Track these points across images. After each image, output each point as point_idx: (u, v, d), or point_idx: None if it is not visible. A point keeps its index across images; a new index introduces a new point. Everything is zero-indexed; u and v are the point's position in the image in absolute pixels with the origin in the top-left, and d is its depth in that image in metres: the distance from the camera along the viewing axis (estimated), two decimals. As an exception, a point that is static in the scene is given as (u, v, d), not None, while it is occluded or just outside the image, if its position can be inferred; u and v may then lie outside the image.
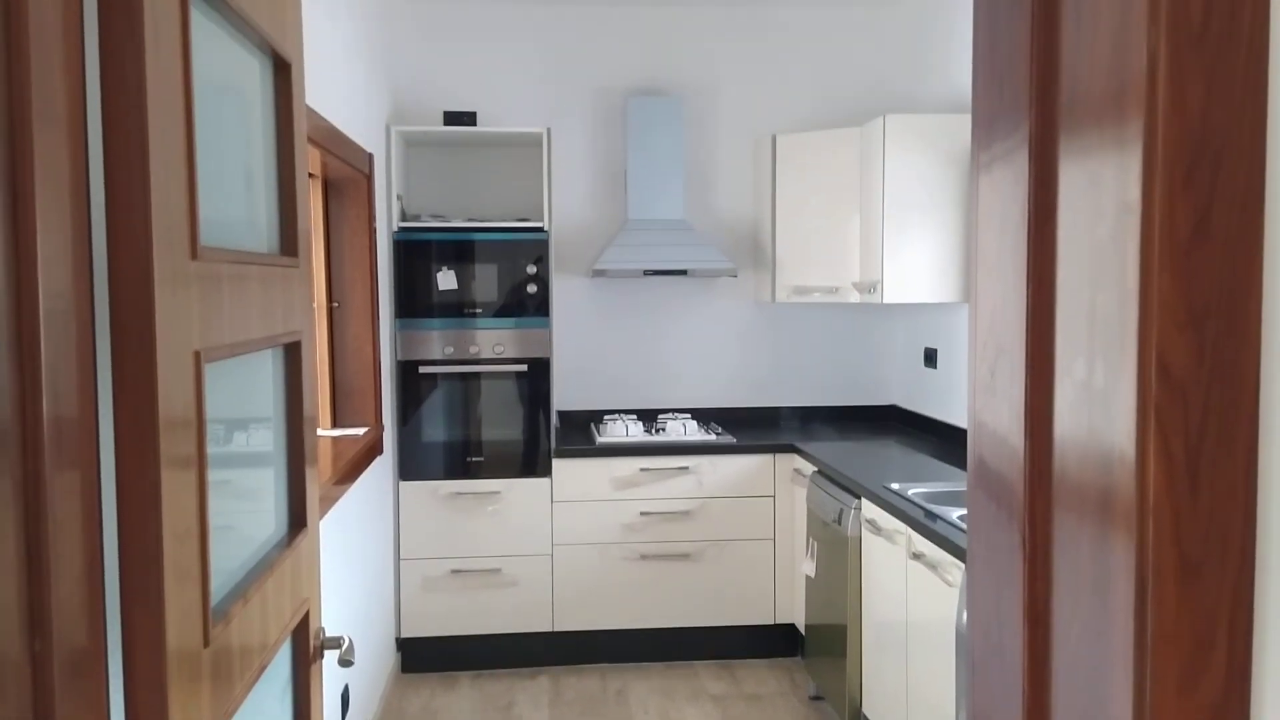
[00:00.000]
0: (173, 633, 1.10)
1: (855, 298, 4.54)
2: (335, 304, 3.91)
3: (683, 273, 4.59)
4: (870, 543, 3.49)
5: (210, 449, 1.26)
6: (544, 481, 4.44)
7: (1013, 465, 1.02)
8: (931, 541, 2.95)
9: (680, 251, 4.62)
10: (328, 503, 2.88)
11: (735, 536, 4.49)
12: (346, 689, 3.34)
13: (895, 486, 3.47)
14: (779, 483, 4.49)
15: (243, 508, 1.54)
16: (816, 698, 4.14)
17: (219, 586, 1.31)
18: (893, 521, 3.27)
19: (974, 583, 1.12)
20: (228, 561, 1.38)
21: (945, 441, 4.43)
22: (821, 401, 5.10)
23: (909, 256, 4.18)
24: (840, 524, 3.69)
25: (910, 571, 3.13)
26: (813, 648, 4.12)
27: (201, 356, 1.21)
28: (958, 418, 4.35)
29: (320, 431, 3.74)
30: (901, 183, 4.16)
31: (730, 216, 5.01)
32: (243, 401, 1.50)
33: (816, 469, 4.13)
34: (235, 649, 1.32)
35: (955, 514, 3.04)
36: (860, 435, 4.74)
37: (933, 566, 2.94)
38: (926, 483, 3.54)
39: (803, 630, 4.33)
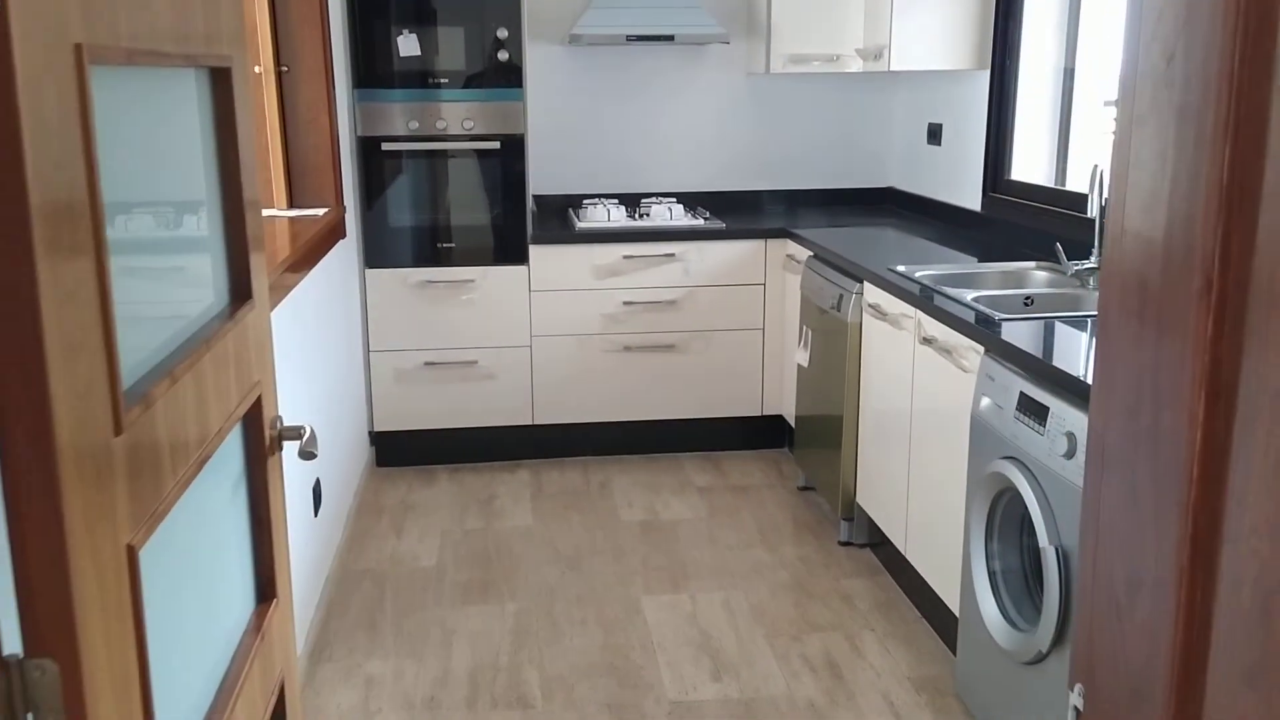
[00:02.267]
0: (65, 418, 0.84)
1: (857, 66, 4.16)
2: (284, 68, 3.50)
3: (669, 39, 4.17)
4: (873, 328, 3.27)
5: (110, 196, 0.97)
6: (520, 269, 4.16)
7: (1186, 264, 0.76)
8: (945, 324, 2.72)
9: (665, 14, 4.19)
10: (281, 291, 2.59)
11: (723, 326, 4.27)
12: (318, 484, 3.16)
13: (901, 269, 3.22)
14: (770, 270, 4.23)
15: (166, 272, 1.26)
16: (806, 488, 4.03)
17: (135, 364, 1.05)
18: (899, 305, 3.04)
19: (1101, 415, 0.86)
20: (147, 336, 1.11)
21: (948, 224, 4.17)
22: (816, 184, 4.79)
23: (920, 18, 3.79)
24: (839, 310, 3.46)
25: (919, 357, 2.92)
26: (803, 439, 3.98)
27: (85, 53, 0.90)
28: (963, 198, 4.07)
29: (273, 212, 3.41)
30: (915, -68, 3.72)
31: (720, -23, 4.54)
32: (155, 139, 1.19)
33: (812, 254, 3.87)
34: (163, 439, 1.07)
35: (969, 295, 2.81)
36: (857, 219, 4.46)
37: (946, 351, 2.72)
38: (934, 265, 3.29)
39: (792, 422, 4.19)
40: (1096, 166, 2.81)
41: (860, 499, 3.46)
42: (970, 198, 4.01)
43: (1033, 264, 3.26)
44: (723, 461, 4.34)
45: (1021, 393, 2.29)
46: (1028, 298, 2.92)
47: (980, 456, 2.47)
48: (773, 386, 4.34)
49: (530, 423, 4.30)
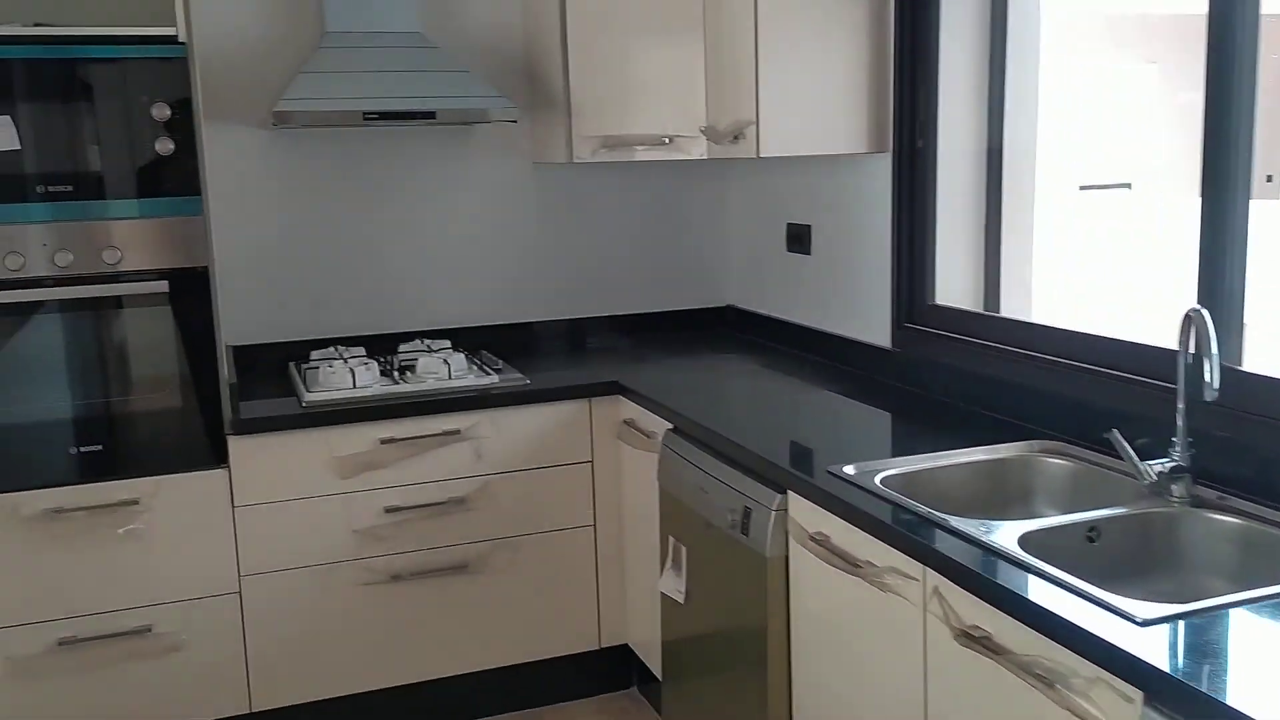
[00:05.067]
0: None
1: (700, 151, 2.98)
2: None
3: (429, 116, 2.83)
4: (818, 573, 2.02)
5: None
6: (216, 475, 2.64)
7: None
8: (1012, 615, 1.50)
9: (420, 82, 2.85)
10: None
11: (537, 528, 2.91)
12: None
13: (849, 471, 2.00)
14: (599, 440, 2.93)
15: None
16: (683, 768, 2.71)
17: None
18: (875, 547, 1.81)
19: None
20: None
21: (829, 360, 3.02)
22: (632, 306, 3.55)
23: (795, 86, 2.65)
24: (746, 533, 2.19)
25: (945, 658, 1.69)
26: (675, 670, 2.67)
27: None
28: (855, 327, 2.94)
29: None
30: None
31: (492, 31, 3.25)
32: None
33: (672, 426, 2.60)
34: None
35: (1005, 531, 1.62)
36: (700, 354, 3.25)
37: (1021, 668, 1.50)
38: (885, 459, 2.10)
39: (648, 654, 2.87)
40: (1193, 314, 1.71)
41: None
42: (867, 327, 2.88)
43: (1021, 444, 2.14)
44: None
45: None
46: (1092, 528, 1.77)
47: None
48: (613, 606, 3.02)
49: (247, 710, 2.74)
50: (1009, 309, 2.70)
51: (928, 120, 2.62)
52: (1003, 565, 1.59)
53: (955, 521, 1.73)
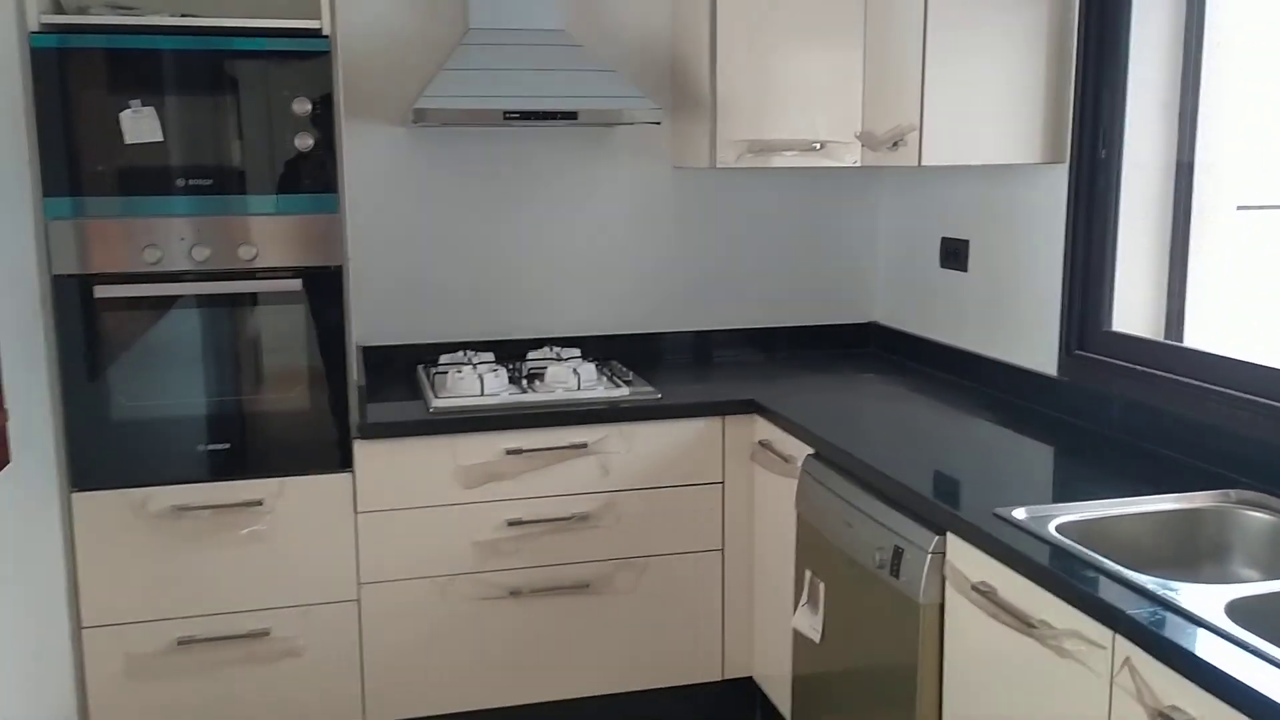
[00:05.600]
0: None
1: (854, 159, 2.80)
2: None
3: (570, 116, 2.72)
4: (979, 626, 1.82)
5: None
6: (340, 480, 2.58)
7: None
8: (1236, 708, 1.28)
9: (563, 81, 2.75)
10: None
11: (663, 550, 2.77)
12: None
13: (1019, 515, 1.80)
14: (730, 460, 2.77)
15: None
16: (809, 819, 2.52)
17: None
18: (1058, 608, 1.60)
19: None
20: None
21: (986, 386, 2.80)
22: (772, 319, 3.38)
23: (963, 91, 2.45)
24: (896, 574, 2.00)
25: (1122, 727, 1.48)
26: (809, 707, 2.49)
27: None
28: (1014, 351, 2.71)
29: None
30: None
31: (638, 31, 3.14)
32: None
33: (813, 451, 2.42)
34: None
35: (1211, 596, 1.40)
36: (843, 375, 3.06)
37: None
38: (1059, 504, 1.88)
39: (776, 691, 2.70)
40: None
41: None
42: (1030, 352, 2.65)
43: (1214, 493, 1.90)
44: (667, 757, 2.81)
45: None
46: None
47: None
48: (738, 636, 2.85)
49: (361, 721, 2.68)
50: (1194, 339, 2.44)
51: (1113, 128, 2.38)
52: (1208, 637, 1.37)
53: (1150, 583, 1.51)
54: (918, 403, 2.76)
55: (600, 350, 3.17)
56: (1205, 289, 2.46)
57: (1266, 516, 1.83)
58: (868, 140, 2.68)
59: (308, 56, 2.47)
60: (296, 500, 2.56)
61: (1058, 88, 2.47)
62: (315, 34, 2.47)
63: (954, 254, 2.98)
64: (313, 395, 2.56)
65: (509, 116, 2.72)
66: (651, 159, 3.20)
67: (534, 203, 3.14)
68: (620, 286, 3.24)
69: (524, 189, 3.14)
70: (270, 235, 2.50)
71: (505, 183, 3.12)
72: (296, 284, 2.53)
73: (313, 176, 2.51)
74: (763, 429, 2.71)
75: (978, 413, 2.63)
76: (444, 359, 3.00)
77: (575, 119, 2.72)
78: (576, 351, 3.06)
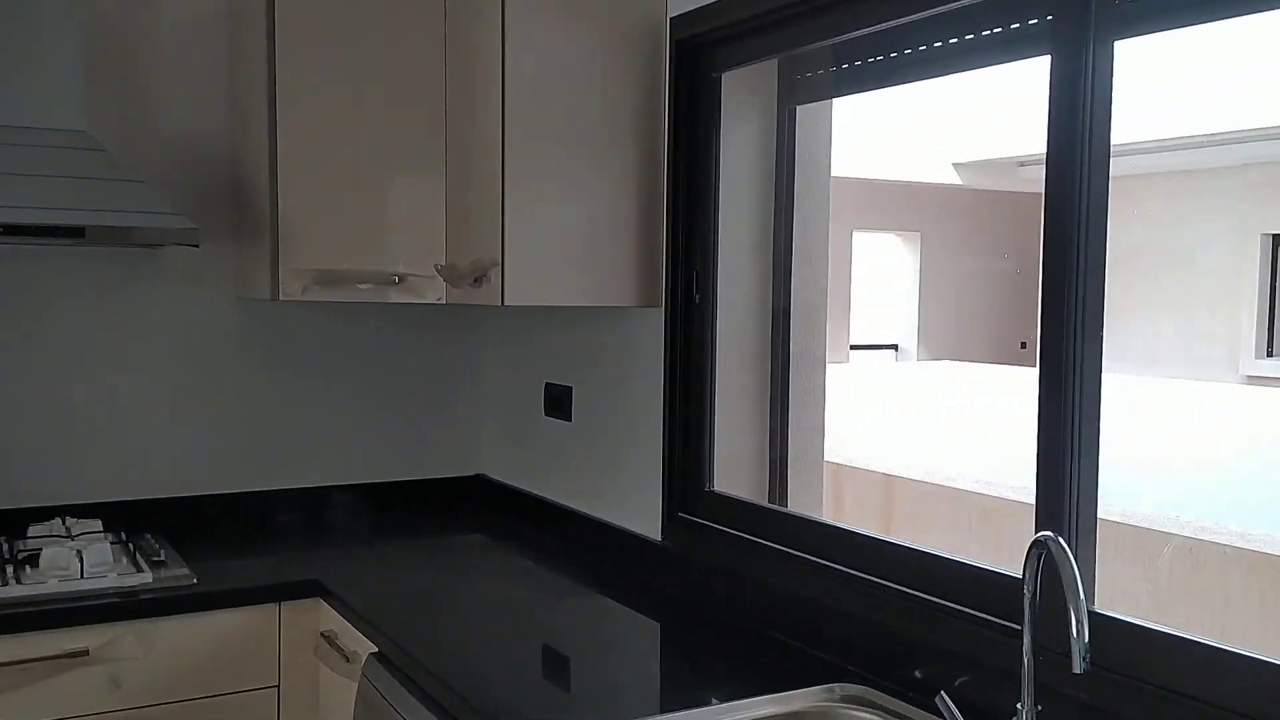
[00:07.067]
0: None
1: (437, 295, 2.45)
2: None
3: (75, 233, 2.18)
4: None
5: None
6: None
7: None
8: None
9: (76, 190, 2.22)
10: None
11: (197, 781, 2.18)
12: None
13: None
14: (288, 656, 2.26)
15: None
16: None
17: None
18: None
19: None
20: None
21: (596, 553, 2.48)
22: (363, 476, 2.92)
23: (550, 231, 2.18)
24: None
25: None
26: None
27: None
28: (619, 512, 2.43)
29: None
30: (539, 84, 2.15)
31: (192, 141, 2.66)
32: None
33: (375, 649, 1.97)
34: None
35: None
36: (441, 537, 2.65)
37: None
38: (683, 713, 1.55)
39: None
40: (1046, 543, 1.27)
41: None
42: (635, 513, 2.37)
43: (818, 690, 1.65)
44: None
45: None
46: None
47: None
48: None
49: None
50: (798, 499, 2.26)
51: (705, 272, 2.19)
52: None
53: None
54: (516, 574, 2.40)
55: (133, 520, 2.56)
56: (803, 441, 2.31)
57: (870, 717, 1.59)
58: (449, 274, 2.35)
59: None
60: None
61: (649, 230, 2.27)
62: None
63: (557, 401, 2.69)
64: None
65: (7, 231, 2.15)
66: (210, 288, 2.70)
67: (48, 339, 2.53)
68: (165, 439, 2.67)
69: (39, 321, 2.52)
70: None
71: (12, 313, 2.50)
72: None
73: None
74: (327, 617, 2.22)
75: (582, 584, 2.31)
76: (-95, 540, 2.29)
77: (83, 236, 2.18)
78: (96, 523, 2.43)
